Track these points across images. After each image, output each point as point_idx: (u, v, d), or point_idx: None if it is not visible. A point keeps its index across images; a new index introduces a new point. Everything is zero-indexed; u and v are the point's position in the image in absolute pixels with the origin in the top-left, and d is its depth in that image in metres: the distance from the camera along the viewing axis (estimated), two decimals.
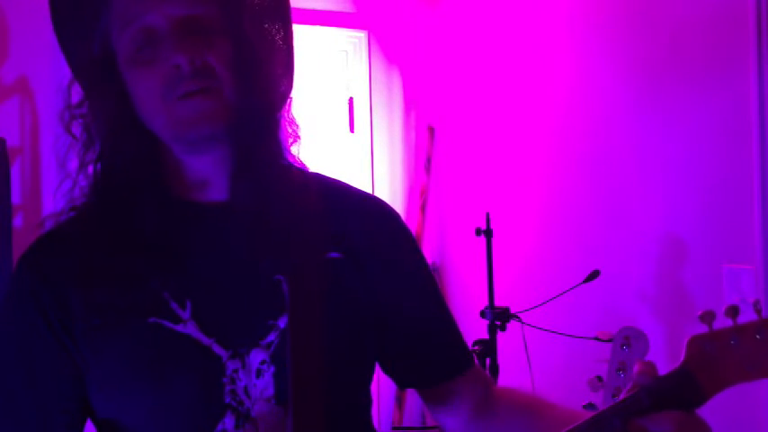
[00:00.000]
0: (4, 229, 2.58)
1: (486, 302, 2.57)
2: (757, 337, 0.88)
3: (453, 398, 1.20)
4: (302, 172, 1.16)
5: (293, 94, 1.17)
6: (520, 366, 2.59)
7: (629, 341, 1.87)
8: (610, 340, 1.93)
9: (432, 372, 1.20)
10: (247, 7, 1.10)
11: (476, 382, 1.22)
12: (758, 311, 0.89)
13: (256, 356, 1.04)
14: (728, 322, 0.90)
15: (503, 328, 2.51)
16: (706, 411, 0.90)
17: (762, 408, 2.06)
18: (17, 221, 2.84)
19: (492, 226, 2.59)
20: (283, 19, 1.16)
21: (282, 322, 1.05)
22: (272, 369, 1.04)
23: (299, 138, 1.15)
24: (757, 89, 2.04)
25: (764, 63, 2.02)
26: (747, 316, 0.90)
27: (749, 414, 2.09)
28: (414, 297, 1.19)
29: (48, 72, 2.85)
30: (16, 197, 2.86)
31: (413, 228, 3.74)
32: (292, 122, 1.15)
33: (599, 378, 1.87)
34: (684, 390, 0.88)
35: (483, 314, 2.54)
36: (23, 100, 2.95)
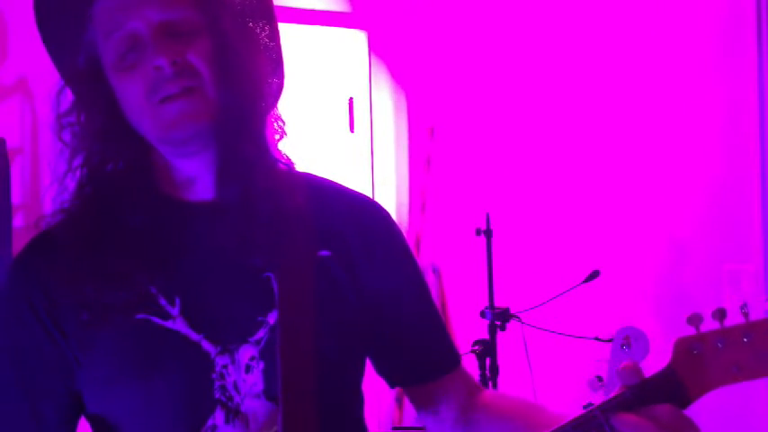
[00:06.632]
0: (4, 229, 2.57)
1: (486, 302, 2.56)
2: (744, 339, 0.88)
3: (440, 399, 1.20)
4: (289, 169, 1.17)
5: (291, 93, 1.18)
6: (520, 366, 2.59)
7: (629, 341, 1.87)
8: (610, 340, 1.93)
9: (419, 369, 1.21)
10: (228, 6, 1.11)
11: (463, 385, 1.22)
12: (745, 315, 0.89)
13: (246, 352, 1.05)
14: (716, 325, 0.90)
15: (503, 328, 2.51)
16: (705, 410, 0.90)
17: (761, 407, 2.06)
18: (17, 221, 2.83)
19: (492, 226, 2.58)
20: (267, 17, 1.17)
21: (272, 318, 1.06)
22: (262, 365, 1.05)
23: (285, 134, 1.16)
24: (758, 89, 2.04)
25: (765, 63, 2.02)
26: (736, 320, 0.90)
27: (748, 415, 2.08)
28: (402, 295, 1.20)
29: (48, 72, 2.85)
30: (16, 197, 2.85)
31: (413, 228, 3.74)
32: (278, 119, 1.16)
33: (599, 378, 1.87)
34: (670, 390, 0.89)
35: (483, 314, 2.54)
36: (23, 100, 2.94)
